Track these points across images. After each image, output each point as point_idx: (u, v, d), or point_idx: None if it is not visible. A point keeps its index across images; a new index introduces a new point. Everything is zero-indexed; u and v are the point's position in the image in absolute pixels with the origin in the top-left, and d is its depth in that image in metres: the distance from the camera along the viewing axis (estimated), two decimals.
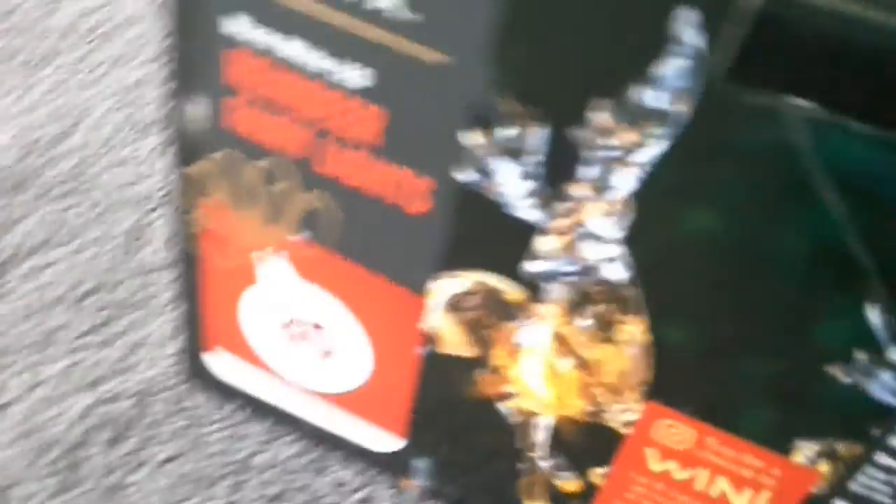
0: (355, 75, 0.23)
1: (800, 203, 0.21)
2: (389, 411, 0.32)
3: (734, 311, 0.23)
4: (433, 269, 0.26)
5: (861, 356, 0.23)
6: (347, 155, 0.24)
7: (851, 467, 0.25)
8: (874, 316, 0.22)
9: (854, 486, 0.26)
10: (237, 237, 0.29)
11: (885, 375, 0.23)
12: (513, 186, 0.23)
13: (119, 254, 0.40)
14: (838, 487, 0.26)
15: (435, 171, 0.24)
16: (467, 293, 0.26)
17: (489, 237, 0.24)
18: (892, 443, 0.24)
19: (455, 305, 0.26)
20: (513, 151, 0.22)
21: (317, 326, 0.30)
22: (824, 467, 0.26)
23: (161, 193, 0.43)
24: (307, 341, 0.31)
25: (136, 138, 0.44)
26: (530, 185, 0.23)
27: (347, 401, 0.32)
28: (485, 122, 0.22)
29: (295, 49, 0.23)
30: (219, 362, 0.34)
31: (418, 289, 0.27)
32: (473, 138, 0.22)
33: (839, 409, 0.24)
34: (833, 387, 0.24)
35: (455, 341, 0.27)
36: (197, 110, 0.26)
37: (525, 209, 0.23)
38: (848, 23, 0.17)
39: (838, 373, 0.23)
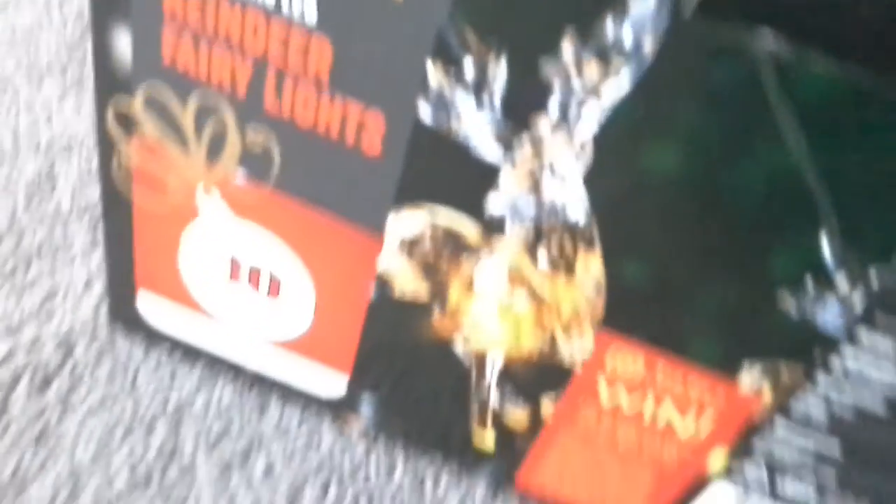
0: (300, 4, 0.21)
1: (760, 139, 0.21)
2: (334, 353, 0.31)
3: (690, 246, 0.23)
4: (386, 210, 0.25)
5: (810, 284, 0.23)
6: (291, 91, 0.23)
7: (792, 387, 0.26)
8: (826, 246, 0.22)
9: (794, 402, 0.27)
10: (171, 177, 0.27)
11: (831, 302, 0.24)
12: (472, 124, 0.22)
13: (24, 202, 0.38)
14: (780, 407, 0.27)
15: (389, 109, 0.23)
16: (424, 234, 0.25)
17: (447, 176, 0.24)
18: (833, 364, 0.25)
19: (411, 246, 0.26)
20: (472, 86, 0.22)
21: (259, 269, 0.29)
22: (766, 392, 0.27)
23: (65, 138, 0.40)
24: (249, 284, 0.30)
25: (33, 83, 0.41)
26: (491, 122, 0.22)
27: (289, 344, 0.32)
28: (443, 56, 0.21)
29: None
30: (147, 306, 0.33)
31: (371, 230, 0.26)
32: (431, 73, 0.22)
33: (785, 336, 0.25)
34: (781, 316, 0.24)
35: (409, 284, 0.27)
36: (121, 41, 0.24)
37: (486, 147, 0.23)
38: None
39: (788, 300, 0.24)
